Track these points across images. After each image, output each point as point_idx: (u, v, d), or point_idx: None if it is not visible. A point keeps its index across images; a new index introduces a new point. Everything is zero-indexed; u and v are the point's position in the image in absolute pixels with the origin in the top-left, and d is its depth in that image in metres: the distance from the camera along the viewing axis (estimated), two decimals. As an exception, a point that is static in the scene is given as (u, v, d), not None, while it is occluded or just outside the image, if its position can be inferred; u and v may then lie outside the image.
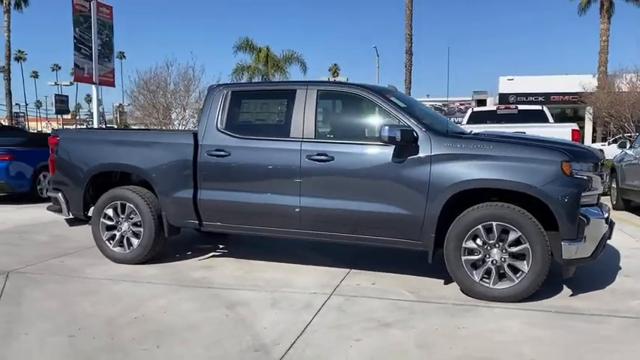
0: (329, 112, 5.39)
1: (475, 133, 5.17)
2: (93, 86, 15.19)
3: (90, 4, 14.68)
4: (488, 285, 4.52)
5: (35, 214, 9.02)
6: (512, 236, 4.44)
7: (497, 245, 4.50)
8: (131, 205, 5.65)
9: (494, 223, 4.47)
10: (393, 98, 5.04)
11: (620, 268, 5.58)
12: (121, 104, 54.58)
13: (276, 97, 5.60)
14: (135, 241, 5.68)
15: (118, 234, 5.76)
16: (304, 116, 5.09)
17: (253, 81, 38.50)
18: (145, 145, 5.64)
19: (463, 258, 4.57)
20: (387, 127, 4.57)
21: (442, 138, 4.71)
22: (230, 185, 5.30)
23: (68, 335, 3.80)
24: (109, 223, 5.78)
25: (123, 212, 5.71)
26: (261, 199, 5.15)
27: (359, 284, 5.02)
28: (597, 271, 5.33)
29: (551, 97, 42.17)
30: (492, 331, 3.89)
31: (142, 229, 5.62)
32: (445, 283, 5.04)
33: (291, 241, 6.70)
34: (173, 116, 16.80)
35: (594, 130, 36.53)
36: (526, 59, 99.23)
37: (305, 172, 4.98)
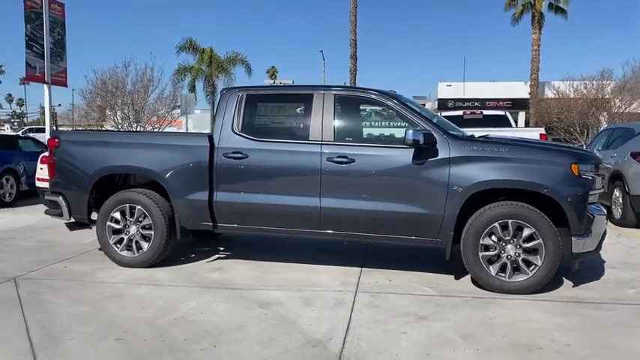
0: (346, 115, 5.54)
1: (481, 137, 5.49)
2: (45, 86, 14.59)
3: (42, 0, 14.13)
4: (504, 279, 4.84)
5: (6, 219, 8.63)
6: (526, 232, 4.78)
7: (511, 241, 4.83)
8: (141, 208, 5.59)
9: (509, 221, 4.80)
10: (408, 103, 5.28)
11: (605, 261, 6.07)
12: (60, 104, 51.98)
13: (292, 101, 5.72)
14: (144, 245, 5.62)
15: (125, 237, 5.68)
16: (322, 120, 5.24)
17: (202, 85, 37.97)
18: (157, 148, 5.60)
19: (480, 254, 4.87)
20: (410, 131, 4.80)
21: (459, 141, 5.00)
22: (248, 187, 5.36)
23: (115, 339, 3.78)
24: (116, 226, 5.69)
25: (132, 215, 5.64)
26: (281, 200, 5.26)
27: (377, 282, 5.22)
28: (586, 265, 5.76)
29: (487, 102, 44.17)
30: (521, 320, 4.19)
31: (152, 232, 5.58)
32: (456, 278, 5.34)
33: (291, 241, 6.86)
34: (120, 116, 16.17)
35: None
36: (463, 66, 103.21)
37: (326, 173, 5.13)
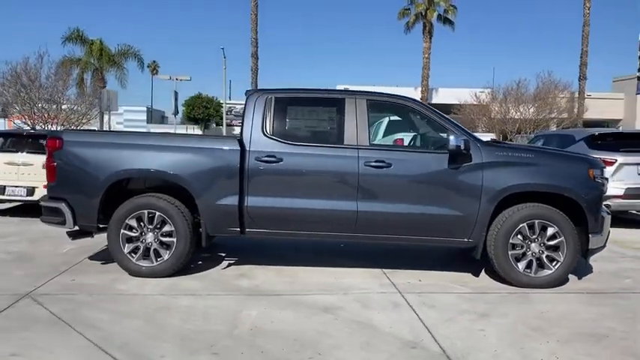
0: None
1: (501, 143, 5.87)
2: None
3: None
4: (530, 274, 5.25)
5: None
6: (550, 232, 5.22)
7: (536, 240, 5.25)
8: (161, 214, 5.27)
9: (536, 221, 5.21)
10: (437, 111, 5.52)
11: (585, 256, 6.76)
12: None
13: (323, 105, 5.70)
14: (164, 253, 5.31)
15: (142, 246, 5.32)
16: (357, 125, 5.31)
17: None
18: (182, 151, 5.31)
19: (510, 252, 5.23)
20: (452, 137, 5.04)
21: (490, 147, 5.34)
22: (283, 191, 5.27)
23: (211, 352, 3.60)
24: (132, 234, 5.31)
25: (151, 222, 5.30)
26: (318, 204, 5.24)
27: (409, 282, 5.39)
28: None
29: (381, 106, 46.29)
30: (568, 312, 4.59)
31: (173, 240, 5.28)
32: (475, 276, 5.68)
33: (293, 244, 6.83)
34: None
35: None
36: (361, 70, 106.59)
37: (363, 178, 5.21)
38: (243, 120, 5.42)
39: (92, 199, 5.27)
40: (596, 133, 9.23)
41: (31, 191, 8.70)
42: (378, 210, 5.25)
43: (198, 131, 45.31)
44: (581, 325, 4.26)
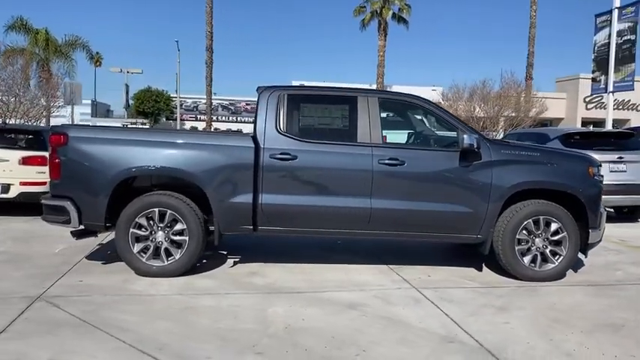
0: (392, 119, 5.71)
1: (505, 141, 6.04)
2: None
3: None
4: (535, 268, 5.45)
5: None
6: (553, 227, 5.44)
7: (540, 235, 5.46)
8: (173, 213, 5.17)
9: (541, 217, 5.42)
10: (445, 110, 5.63)
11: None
12: None
13: (335, 103, 5.72)
14: (176, 252, 5.21)
15: (152, 245, 5.20)
16: (370, 123, 5.36)
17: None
18: (194, 148, 5.21)
19: (516, 247, 5.42)
20: (466, 136, 5.17)
21: (497, 145, 5.50)
22: (298, 189, 5.27)
23: (255, 352, 3.57)
24: (141, 233, 5.18)
25: (161, 221, 5.18)
26: (333, 201, 5.27)
27: (420, 277, 5.50)
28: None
29: (337, 102, 46.56)
30: (578, 304, 4.79)
31: (185, 238, 5.19)
32: (479, 270, 5.86)
33: (292, 241, 6.83)
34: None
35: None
36: (317, 67, 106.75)
37: (377, 175, 5.27)
38: (256, 117, 5.36)
39: (100, 197, 5.11)
40: (571, 132, 9.65)
41: (6, 188, 8.29)
42: (392, 207, 5.32)
43: (147, 125, 44.23)
44: (595, 317, 4.46)
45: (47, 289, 4.74)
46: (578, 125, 33.51)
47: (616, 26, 16.30)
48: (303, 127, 5.60)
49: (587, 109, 35.34)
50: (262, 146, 5.23)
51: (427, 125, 5.77)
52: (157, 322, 4.07)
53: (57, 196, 5.19)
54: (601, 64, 16.97)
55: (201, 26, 36.74)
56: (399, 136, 6.13)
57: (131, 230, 5.15)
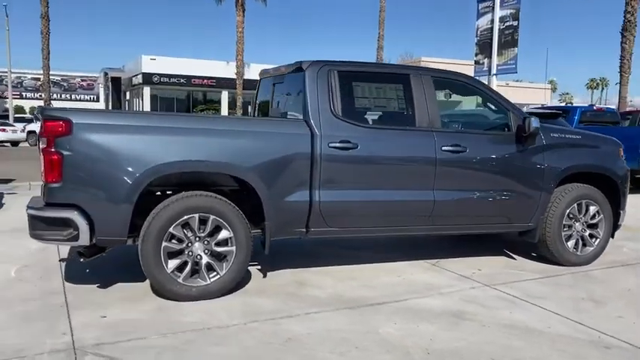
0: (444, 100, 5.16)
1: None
2: None
3: None
4: (577, 253, 5.39)
5: None
6: (592, 210, 5.41)
7: (579, 219, 5.39)
8: (217, 218, 4.11)
9: (583, 201, 5.35)
10: (495, 91, 5.24)
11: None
12: None
13: (388, 82, 4.97)
14: (219, 267, 4.17)
15: (190, 260, 4.10)
16: (427, 105, 4.78)
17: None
18: (239, 136, 4.17)
19: (563, 233, 5.30)
20: (533, 119, 4.84)
21: (547, 129, 5.27)
22: (359, 183, 4.52)
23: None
24: (177, 246, 4.05)
25: (201, 230, 4.10)
26: (398, 196, 4.63)
27: (474, 272, 5.10)
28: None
29: (193, 79, 44.40)
30: (620, 290, 4.73)
31: (231, 249, 4.18)
32: (513, 259, 5.66)
33: (295, 242, 6.05)
34: None
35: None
36: (170, 42, 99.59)
37: (440, 164, 4.74)
38: (305, 98, 4.46)
39: (123, 203, 3.86)
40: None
41: None
42: (455, 198, 4.84)
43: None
44: (636, 301, 4.46)
45: (72, 335, 3.45)
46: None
47: (498, 13, 17.33)
48: (358, 110, 4.82)
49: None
50: (318, 133, 4.38)
51: (481, 107, 5.35)
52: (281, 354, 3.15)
53: (56, 205, 3.82)
54: (484, 47, 18.02)
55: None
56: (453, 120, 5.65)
57: (164, 244, 3.99)
